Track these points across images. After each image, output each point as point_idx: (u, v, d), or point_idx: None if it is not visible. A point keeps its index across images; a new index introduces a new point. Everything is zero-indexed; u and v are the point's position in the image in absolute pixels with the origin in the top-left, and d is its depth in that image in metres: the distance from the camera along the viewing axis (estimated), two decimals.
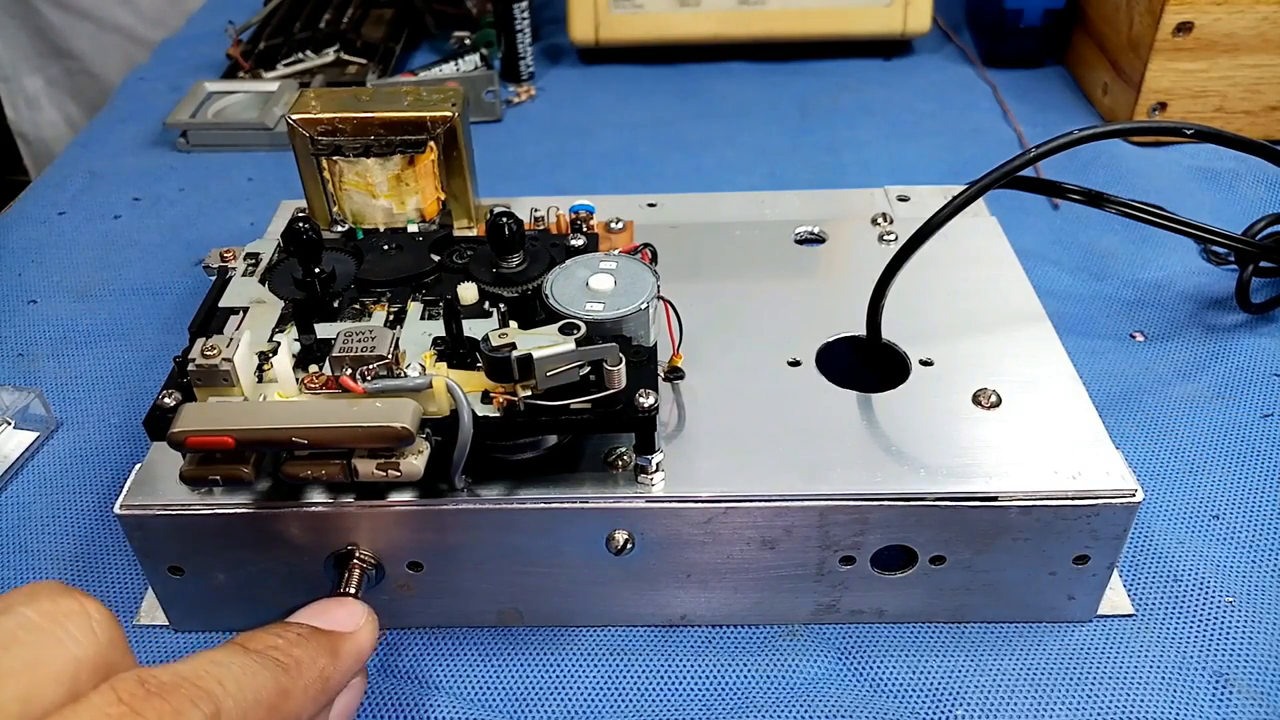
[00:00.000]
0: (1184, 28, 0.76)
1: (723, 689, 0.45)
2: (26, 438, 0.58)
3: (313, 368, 0.44)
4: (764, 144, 0.87)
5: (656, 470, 0.44)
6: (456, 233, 0.53)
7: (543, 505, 0.43)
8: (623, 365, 0.41)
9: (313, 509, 0.43)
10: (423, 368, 0.42)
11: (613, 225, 0.57)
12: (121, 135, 0.92)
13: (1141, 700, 0.44)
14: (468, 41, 0.99)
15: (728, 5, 0.94)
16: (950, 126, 0.87)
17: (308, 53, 0.97)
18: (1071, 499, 0.43)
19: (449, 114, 0.51)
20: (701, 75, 0.98)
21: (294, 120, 0.52)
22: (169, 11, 1.46)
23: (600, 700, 0.45)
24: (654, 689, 0.45)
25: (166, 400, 0.41)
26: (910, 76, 0.96)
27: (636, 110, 0.93)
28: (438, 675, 0.46)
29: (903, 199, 0.63)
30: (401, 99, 0.52)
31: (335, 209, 0.53)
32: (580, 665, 0.46)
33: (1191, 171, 0.77)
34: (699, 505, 0.43)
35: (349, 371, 0.40)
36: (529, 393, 0.41)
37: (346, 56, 0.97)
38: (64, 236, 0.77)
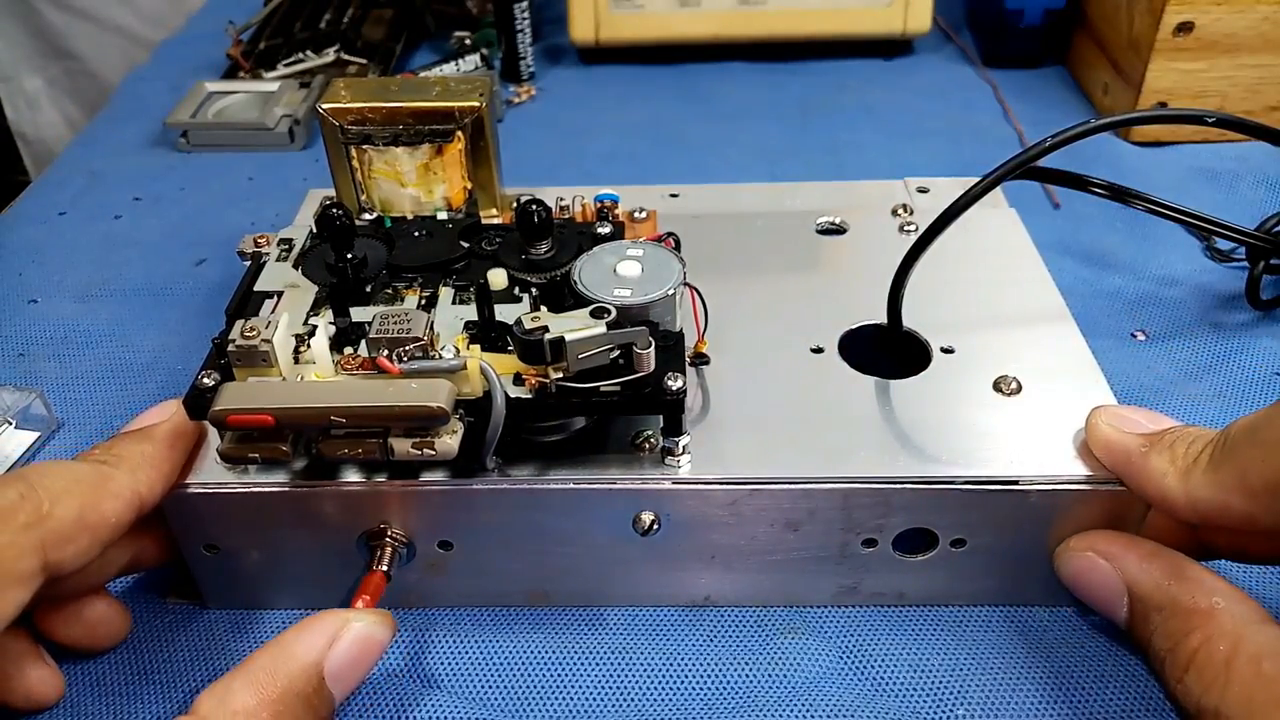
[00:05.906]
0: (1184, 27, 0.76)
1: (724, 688, 0.45)
2: (27, 438, 0.58)
3: (348, 349, 0.44)
4: (764, 144, 0.87)
5: (683, 452, 0.44)
6: (483, 221, 0.53)
7: (571, 486, 0.44)
8: (652, 349, 0.41)
9: (347, 488, 0.44)
10: (456, 350, 0.42)
11: (636, 215, 0.58)
12: (121, 135, 0.91)
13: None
14: (468, 41, 0.99)
15: (728, 5, 0.95)
16: (950, 126, 0.87)
17: (308, 53, 0.97)
18: (1092, 483, 0.43)
19: (477, 104, 0.52)
20: (701, 75, 0.98)
21: (324, 109, 0.52)
22: (169, 11, 1.45)
23: (599, 701, 0.45)
24: (655, 688, 0.45)
25: (205, 380, 0.42)
26: (910, 76, 0.96)
27: (636, 110, 0.93)
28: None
29: (922, 190, 0.64)
30: (430, 89, 0.53)
31: (363, 197, 0.54)
32: (577, 668, 0.46)
33: (1192, 172, 0.78)
34: (724, 487, 0.44)
35: (385, 353, 0.41)
36: (560, 375, 0.41)
37: (347, 56, 0.97)
38: (64, 236, 0.77)
